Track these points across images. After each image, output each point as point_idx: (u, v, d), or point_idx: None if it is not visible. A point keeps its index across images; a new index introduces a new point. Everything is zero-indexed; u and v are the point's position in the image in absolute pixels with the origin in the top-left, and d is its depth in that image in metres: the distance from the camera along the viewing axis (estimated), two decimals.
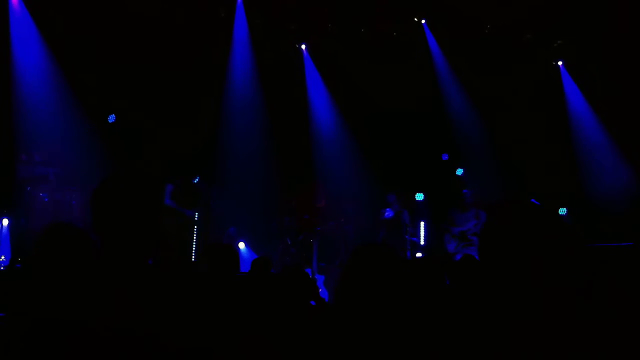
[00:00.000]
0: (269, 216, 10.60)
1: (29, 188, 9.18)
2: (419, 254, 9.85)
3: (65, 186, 9.14)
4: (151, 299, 1.83)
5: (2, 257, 8.58)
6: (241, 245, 10.43)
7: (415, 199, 10.37)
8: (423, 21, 10.86)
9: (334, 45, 10.78)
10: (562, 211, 9.96)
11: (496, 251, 1.83)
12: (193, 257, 9.29)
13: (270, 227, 10.64)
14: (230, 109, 10.64)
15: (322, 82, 11.31)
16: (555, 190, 9.85)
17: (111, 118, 9.65)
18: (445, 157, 10.43)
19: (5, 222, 9.03)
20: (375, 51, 10.60)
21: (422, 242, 10.19)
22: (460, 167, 10.72)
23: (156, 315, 1.81)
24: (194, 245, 9.43)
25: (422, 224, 10.28)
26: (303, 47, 11.29)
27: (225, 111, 10.62)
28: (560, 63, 11.32)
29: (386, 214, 10.05)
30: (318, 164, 11.20)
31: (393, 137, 10.72)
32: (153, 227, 1.97)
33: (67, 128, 9.56)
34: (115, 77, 9.55)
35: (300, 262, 9.84)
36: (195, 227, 9.21)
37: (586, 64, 10.67)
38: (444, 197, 10.11)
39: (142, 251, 1.92)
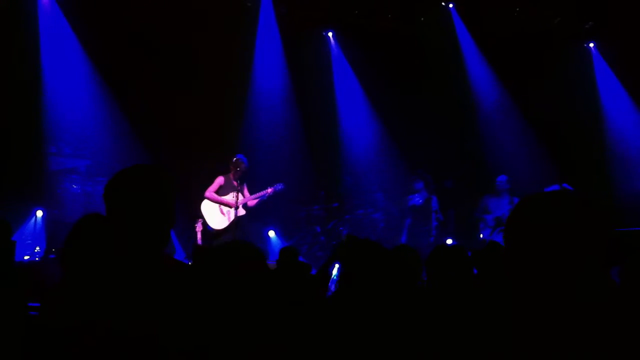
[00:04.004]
0: (299, 205, 10.61)
1: (60, 180, 9.35)
2: (449, 241, 9.76)
3: (96, 177, 9.26)
4: (164, 294, 1.83)
5: (38, 248, 8.75)
6: (271, 233, 10.49)
7: (444, 185, 10.26)
8: (451, 5, 10.71)
9: (360, 31, 10.70)
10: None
11: (520, 238, 1.78)
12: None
13: (300, 216, 10.65)
14: (257, 97, 10.64)
15: (349, 69, 11.23)
16: (588, 178, 9.68)
17: None
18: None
19: (39, 213, 9.22)
20: (400, 36, 10.50)
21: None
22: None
23: (174, 310, 1.81)
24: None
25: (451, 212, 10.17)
26: (330, 34, 11.23)
27: (252, 100, 10.62)
28: (592, 45, 11.09)
29: (413, 200, 9.98)
30: (346, 152, 11.15)
31: (422, 123, 10.60)
32: (166, 219, 1.96)
33: (97, 120, 9.67)
34: (143, 66, 9.60)
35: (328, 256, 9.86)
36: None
37: (619, 46, 10.41)
38: (475, 184, 10.00)
39: (155, 243, 1.92)
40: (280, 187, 8.49)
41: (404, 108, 10.73)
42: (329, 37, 11.23)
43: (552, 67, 10.25)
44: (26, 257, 8.46)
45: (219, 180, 8.41)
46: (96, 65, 9.70)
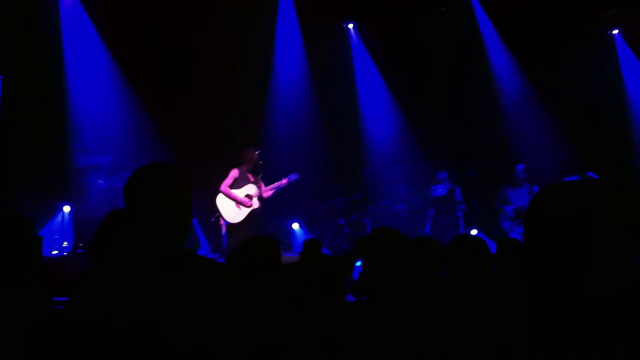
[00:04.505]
0: (322, 197, 10.63)
1: (85, 176, 9.48)
2: (474, 231, 9.71)
3: (122, 173, 9.36)
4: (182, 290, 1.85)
5: (65, 243, 8.88)
6: (295, 226, 10.53)
7: (467, 175, 10.17)
8: None
9: (380, 23, 10.66)
10: None
11: (540, 230, 1.76)
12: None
13: (323, 208, 10.67)
14: (277, 91, 10.66)
15: (370, 61, 11.20)
16: (613, 166, 9.54)
17: None
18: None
19: (66, 209, 9.35)
20: (421, 27, 10.43)
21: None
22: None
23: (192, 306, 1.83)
24: None
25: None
26: (350, 26, 11.20)
27: (273, 93, 10.65)
28: (615, 32, 10.90)
29: (437, 191, 9.94)
30: (369, 143, 11.14)
31: (445, 113, 10.54)
32: (183, 214, 1.99)
33: (120, 116, 9.78)
34: (165, 61, 9.68)
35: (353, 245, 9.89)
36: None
37: None
38: (499, 173, 9.92)
39: (173, 239, 1.95)
40: (294, 178, 8.49)
41: (426, 98, 10.68)
42: (350, 29, 11.20)
43: (575, 55, 10.10)
44: (54, 252, 8.60)
45: (234, 173, 8.41)
46: (118, 62, 9.80)
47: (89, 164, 9.61)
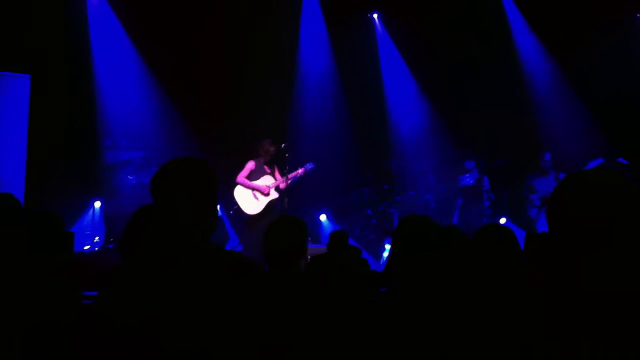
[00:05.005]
0: (349, 188, 10.63)
1: (116, 172, 9.62)
2: (502, 220, 9.63)
3: (151, 168, 9.46)
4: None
5: (97, 238, 9.03)
6: (323, 217, 10.55)
7: (496, 164, 10.04)
8: None
9: (405, 11, 10.58)
10: None
11: (562, 219, 1.74)
12: None
13: (351, 199, 10.67)
14: (303, 82, 10.67)
15: (395, 50, 11.13)
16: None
17: None
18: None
19: (97, 204, 9.51)
20: (447, 15, 10.33)
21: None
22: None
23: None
24: None
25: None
26: (375, 15, 11.15)
27: (299, 84, 10.66)
28: None
29: (465, 180, 9.87)
30: (395, 133, 11.09)
31: (472, 101, 10.43)
32: (207, 209, 2.00)
33: (149, 112, 9.88)
34: (191, 55, 9.74)
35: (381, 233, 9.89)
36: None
37: None
38: (527, 161, 9.79)
39: (199, 233, 1.96)
40: (310, 167, 8.48)
41: (453, 87, 10.58)
42: (374, 18, 11.15)
43: (603, 39, 9.90)
44: (86, 247, 8.75)
45: (250, 165, 8.42)
46: (145, 58, 9.90)
47: (119, 160, 9.76)
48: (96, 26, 9.66)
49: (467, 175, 9.92)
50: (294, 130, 10.05)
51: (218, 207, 9.65)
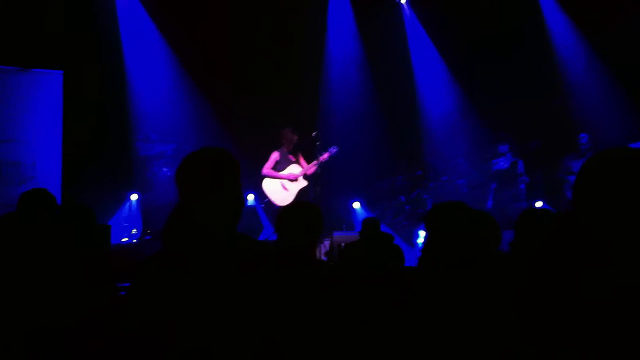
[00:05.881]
0: (382, 175, 10.61)
1: (149, 165, 9.75)
2: (539, 203, 9.50)
3: None
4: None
5: (134, 230, 9.17)
6: (356, 204, 10.55)
7: (530, 147, 9.88)
8: None
9: None
10: None
11: (588, 197, 1.71)
12: None
13: (384, 186, 10.64)
14: (332, 69, 10.64)
15: (425, 35, 11.01)
16: None
17: None
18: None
19: (134, 197, 9.66)
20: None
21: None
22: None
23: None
24: None
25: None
26: (403, 1, 11.05)
27: (328, 72, 10.63)
28: None
29: (498, 164, 9.75)
30: (426, 119, 10.99)
31: (504, 84, 10.26)
32: (231, 198, 2.01)
33: (179, 105, 9.97)
34: (220, 46, 9.79)
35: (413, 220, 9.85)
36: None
37: None
38: (559, 144, 9.61)
39: (224, 223, 1.98)
40: (334, 150, 8.46)
41: (484, 70, 10.42)
42: (402, 4, 11.04)
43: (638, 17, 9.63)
44: (124, 240, 8.89)
45: (274, 155, 8.44)
46: (175, 52, 9.98)
47: (153, 153, 9.88)
48: (126, 21, 9.76)
49: (501, 159, 9.80)
50: (324, 118, 10.04)
51: (252, 196, 9.73)
